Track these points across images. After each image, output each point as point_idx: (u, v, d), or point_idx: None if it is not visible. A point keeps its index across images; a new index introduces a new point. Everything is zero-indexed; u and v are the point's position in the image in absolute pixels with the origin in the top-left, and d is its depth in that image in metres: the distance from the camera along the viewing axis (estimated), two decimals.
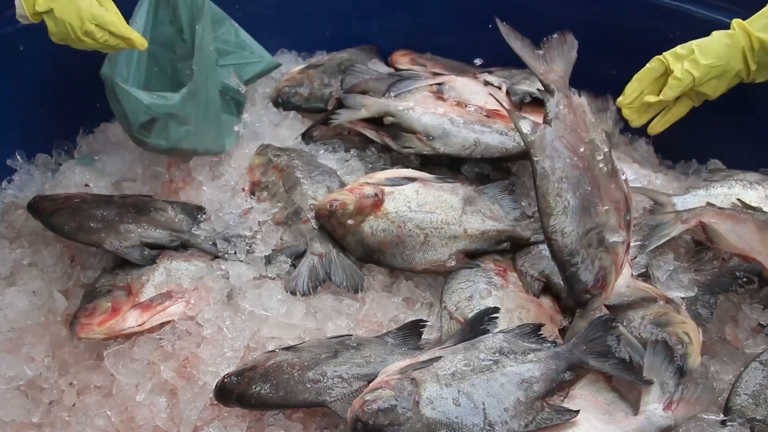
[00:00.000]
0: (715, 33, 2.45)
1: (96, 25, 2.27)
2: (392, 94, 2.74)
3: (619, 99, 2.58)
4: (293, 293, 2.34)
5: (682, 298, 2.29)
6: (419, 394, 1.82)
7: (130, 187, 2.79)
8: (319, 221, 2.46)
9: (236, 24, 2.90)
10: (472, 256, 2.38)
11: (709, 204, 2.52)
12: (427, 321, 2.19)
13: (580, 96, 3.00)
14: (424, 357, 1.95)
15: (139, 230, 2.45)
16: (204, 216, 2.59)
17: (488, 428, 1.79)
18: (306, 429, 2.03)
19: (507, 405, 1.82)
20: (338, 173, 2.71)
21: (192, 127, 2.59)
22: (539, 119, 2.78)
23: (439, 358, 1.91)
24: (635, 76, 2.55)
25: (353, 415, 1.80)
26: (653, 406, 1.94)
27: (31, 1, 2.23)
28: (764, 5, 2.49)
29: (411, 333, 2.15)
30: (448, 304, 2.27)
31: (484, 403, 1.82)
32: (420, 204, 2.39)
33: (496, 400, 1.83)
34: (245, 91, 2.96)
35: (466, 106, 2.74)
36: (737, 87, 2.96)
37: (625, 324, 2.17)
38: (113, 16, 2.32)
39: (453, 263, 2.35)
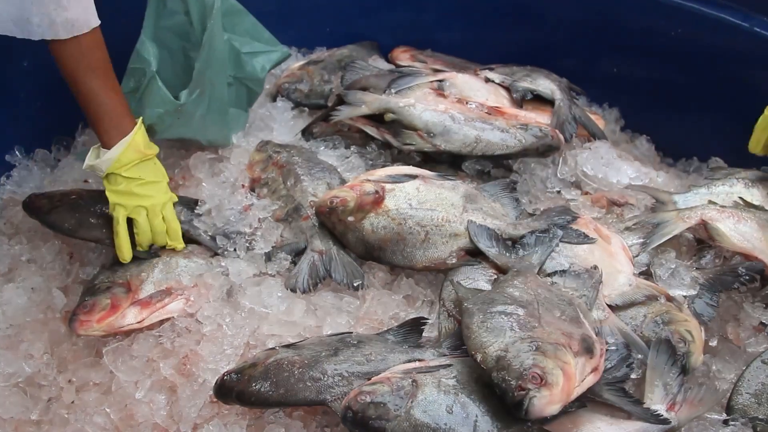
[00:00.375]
0: None
1: (162, 218, 2.39)
2: (393, 90, 2.74)
3: (749, 146, 2.69)
4: (293, 290, 2.33)
5: (684, 297, 2.28)
6: (415, 395, 1.81)
7: None
8: (319, 218, 2.44)
9: (252, 16, 2.90)
10: (473, 254, 2.36)
11: (710, 202, 2.52)
12: (428, 319, 2.18)
13: (578, 100, 3.02)
14: (434, 362, 1.95)
15: None
16: (204, 207, 2.57)
17: None
18: (306, 427, 2.02)
19: (500, 423, 1.80)
20: (338, 170, 2.70)
21: (196, 120, 2.60)
22: (540, 117, 2.80)
23: (448, 365, 1.91)
24: (757, 126, 2.65)
25: (346, 403, 1.81)
26: (656, 407, 1.93)
27: (120, 163, 2.28)
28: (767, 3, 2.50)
29: (412, 331, 2.13)
30: (447, 302, 2.25)
31: (477, 416, 1.80)
32: (421, 201, 2.38)
33: (490, 415, 1.81)
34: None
35: (467, 103, 2.73)
36: (738, 84, 2.97)
37: (627, 322, 2.17)
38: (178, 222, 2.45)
39: (454, 261, 2.34)
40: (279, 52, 2.98)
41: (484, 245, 2.32)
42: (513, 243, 2.38)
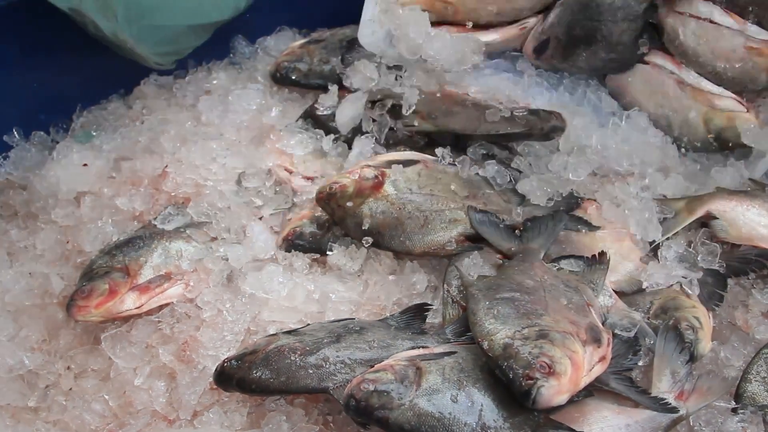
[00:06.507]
0: None
1: None
2: None
3: None
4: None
5: (692, 282, 2.25)
6: (419, 383, 1.79)
7: (129, 167, 2.72)
8: (318, 204, 2.41)
9: None
10: (473, 240, 2.33)
11: (718, 188, 2.47)
12: (431, 305, 2.16)
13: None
14: (438, 349, 1.93)
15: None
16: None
17: (479, 431, 1.75)
18: (308, 415, 2.00)
19: (506, 412, 1.78)
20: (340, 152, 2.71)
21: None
22: None
23: (452, 353, 1.89)
24: None
25: (349, 391, 1.79)
26: (664, 395, 1.91)
27: None
28: None
29: (415, 317, 2.12)
30: (451, 288, 2.23)
31: (482, 405, 1.78)
32: (421, 186, 2.36)
33: (496, 404, 1.79)
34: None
35: None
36: None
37: (634, 309, 2.15)
38: None
39: (452, 246, 2.31)
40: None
41: (485, 231, 2.29)
42: (515, 229, 2.35)
